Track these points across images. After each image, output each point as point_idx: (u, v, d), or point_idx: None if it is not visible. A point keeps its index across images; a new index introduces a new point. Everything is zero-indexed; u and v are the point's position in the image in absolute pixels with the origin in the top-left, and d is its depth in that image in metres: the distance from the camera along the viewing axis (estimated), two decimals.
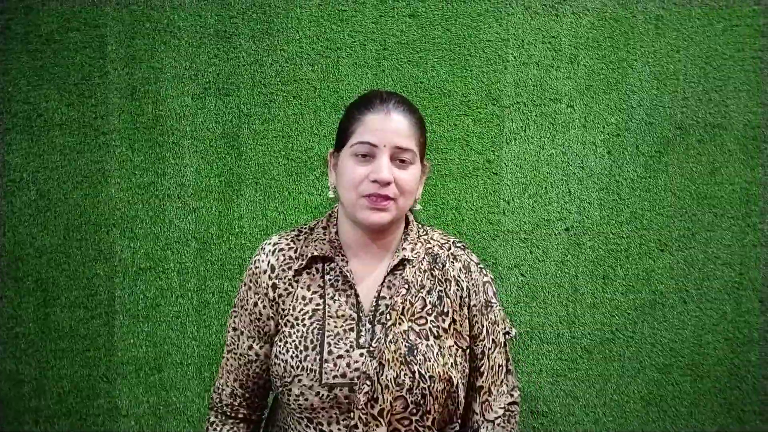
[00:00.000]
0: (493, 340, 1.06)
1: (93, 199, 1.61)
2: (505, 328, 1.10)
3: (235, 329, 1.07)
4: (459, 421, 1.02)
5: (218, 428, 1.07)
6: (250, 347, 1.05)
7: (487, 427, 1.03)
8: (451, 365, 0.99)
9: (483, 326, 1.04)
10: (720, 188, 1.64)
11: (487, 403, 1.04)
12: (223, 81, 1.60)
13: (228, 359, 1.08)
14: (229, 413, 1.07)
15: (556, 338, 1.65)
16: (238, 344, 1.06)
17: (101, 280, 1.62)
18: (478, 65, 1.61)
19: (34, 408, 1.63)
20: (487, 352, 1.04)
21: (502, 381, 1.07)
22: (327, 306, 0.99)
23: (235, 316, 1.07)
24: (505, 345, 1.10)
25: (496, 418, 1.04)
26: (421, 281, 1.02)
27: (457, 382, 0.99)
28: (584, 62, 1.61)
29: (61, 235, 1.61)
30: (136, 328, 1.62)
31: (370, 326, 0.98)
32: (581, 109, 1.62)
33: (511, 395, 1.08)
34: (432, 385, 0.95)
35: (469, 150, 1.62)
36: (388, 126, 0.96)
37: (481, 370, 1.04)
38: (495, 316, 1.07)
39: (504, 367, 1.08)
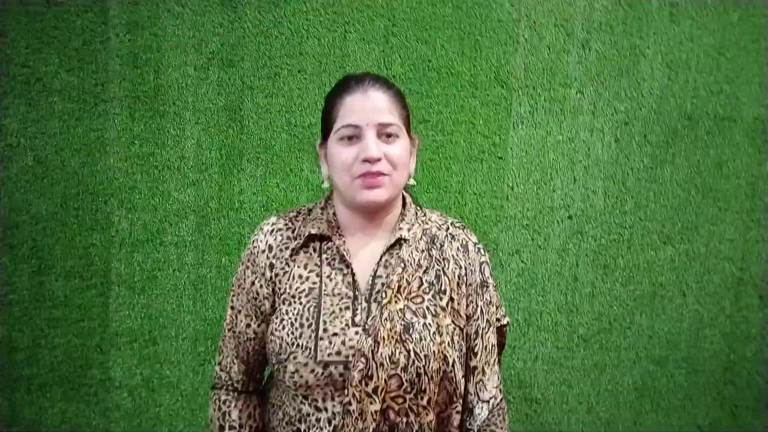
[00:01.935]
0: (487, 320, 1.05)
1: (91, 168, 1.58)
2: (498, 316, 1.10)
3: (233, 308, 1.08)
4: (461, 401, 1.01)
5: (232, 403, 1.07)
6: (248, 325, 1.06)
7: (482, 407, 1.03)
8: (448, 344, 0.98)
9: (478, 306, 1.04)
10: (726, 182, 1.63)
11: (481, 383, 1.04)
12: (227, 52, 1.57)
13: (228, 337, 1.08)
14: (240, 389, 1.08)
15: (554, 326, 1.64)
16: (236, 323, 1.07)
17: (97, 250, 1.60)
18: (488, 46, 1.58)
19: (27, 376, 1.62)
20: (480, 332, 1.04)
21: (494, 360, 1.07)
22: (323, 284, 0.99)
23: (233, 295, 1.08)
24: (502, 335, 1.11)
25: (490, 398, 1.04)
26: (418, 261, 1.02)
27: (453, 361, 0.98)
28: (596, 47, 1.59)
29: (57, 203, 1.59)
30: (132, 300, 1.61)
31: (366, 305, 0.98)
32: (591, 95, 1.60)
33: (500, 391, 1.08)
34: (427, 363, 0.95)
35: (476, 133, 1.60)
36: (368, 104, 0.97)
37: (475, 350, 1.04)
38: (490, 297, 1.07)
39: (496, 347, 1.08)
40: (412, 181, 1.06)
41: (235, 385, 1.08)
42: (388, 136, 0.98)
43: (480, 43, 1.58)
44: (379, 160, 0.96)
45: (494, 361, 1.07)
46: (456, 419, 1.01)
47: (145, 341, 1.62)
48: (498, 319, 1.10)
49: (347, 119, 0.97)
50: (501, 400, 1.07)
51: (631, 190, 1.62)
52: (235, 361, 1.08)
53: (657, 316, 1.65)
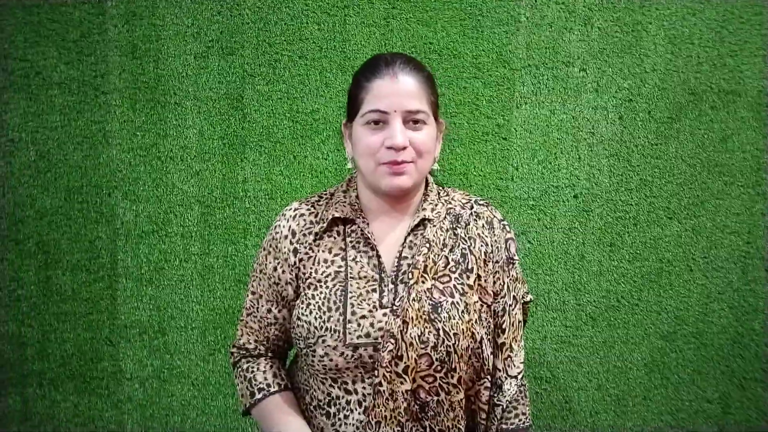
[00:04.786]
0: (513, 296, 1.06)
1: (94, 161, 1.58)
2: (522, 293, 1.10)
3: (254, 293, 1.08)
4: (488, 377, 1.02)
5: (254, 366, 1.08)
6: (269, 311, 1.06)
7: (510, 383, 1.04)
8: (476, 321, 0.98)
9: (504, 283, 1.04)
10: (731, 156, 1.62)
11: (509, 359, 1.05)
12: (227, 40, 1.55)
13: (247, 321, 1.09)
14: (257, 355, 1.09)
15: (562, 305, 1.65)
16: (257, 307, 1.08)
17: (103, 242, 1.59)
18: (489, 26, 1.56)
19: (38, 371, 1.62)
20: (508, 309, 1.04)
21: (521, 336, 1.07)
22: (349, 267, 0.99)
23: (254, 280, 1.08)
24: (524, 312, 1.11)
25: (518, 374, 1.05)
26: (443, 240, 1.02)
27: (481, 338, 0.98)
28: (598, 24, 1.57)
29: (61, 196, 1.58)
30: (140, 292, 1.61)
31: (393, 286, 0.98)
32: (594, 73, 1.59)
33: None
34: (457, 342, 0.95)
35: (479, 114, 1.59)
36: (397, 90, 0.96)
37: (503, 326, 1.04)
38: (516, 273, 1.07)
39: (523, 323, 1.09)
40: (436, 166, 1.06)
41: (252, 352, 1.09)
42: (415, 122, 0.97)
43: (481, 23, 1.56)
44: (404, 148, 0.96)
45: (521, 337, 1.07)
46: (484, 395, 1.02)
47: (154, 332, 1.62)
48: (522, 296, 1.10)
49: (375, 104, 0.96)
50: (524, 376, 1.08)
51: (636, 167, 1.62)
52: (251, 342, 1.09)
53: (664, 292, 1.65)
